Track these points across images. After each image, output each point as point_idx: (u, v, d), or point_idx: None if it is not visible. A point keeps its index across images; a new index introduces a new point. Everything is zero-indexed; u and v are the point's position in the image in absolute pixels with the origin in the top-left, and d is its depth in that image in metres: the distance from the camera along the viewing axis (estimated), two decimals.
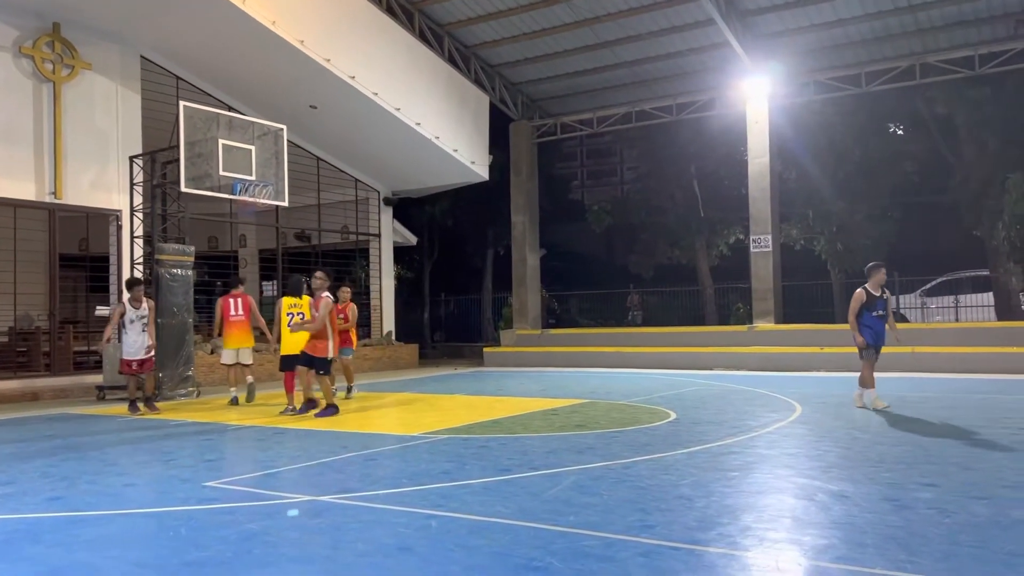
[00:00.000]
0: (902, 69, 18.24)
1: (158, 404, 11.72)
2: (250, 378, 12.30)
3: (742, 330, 19.30)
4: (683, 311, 26.09)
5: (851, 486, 5.63)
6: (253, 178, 13.67)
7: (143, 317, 11.18)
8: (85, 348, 15.61)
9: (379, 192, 21.85)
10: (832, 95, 19.66)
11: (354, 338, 12.57)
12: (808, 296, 23.84)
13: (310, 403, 10.40)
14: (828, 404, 10.60)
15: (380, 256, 21.97)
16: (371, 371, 18.98)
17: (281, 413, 10.52)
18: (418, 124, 18.44)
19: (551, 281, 27.52)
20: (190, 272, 13.87)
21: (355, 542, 4.54)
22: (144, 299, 11.33)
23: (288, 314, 10.89)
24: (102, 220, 15.56)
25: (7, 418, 11.02)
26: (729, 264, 26.61)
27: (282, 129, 14.39)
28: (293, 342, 10.72)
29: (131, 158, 14.86)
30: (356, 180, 21.23)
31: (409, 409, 11.46)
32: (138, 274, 14.37)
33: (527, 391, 13.44)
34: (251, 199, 13.76)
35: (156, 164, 14.31)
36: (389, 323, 21.87)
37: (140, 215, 14.74)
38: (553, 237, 31.56)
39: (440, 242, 31.40)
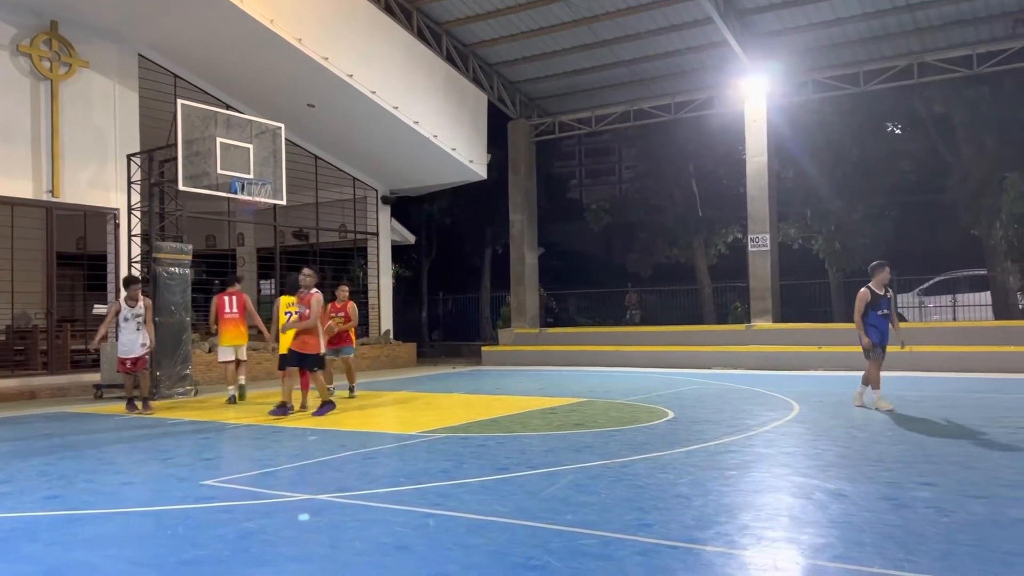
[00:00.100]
0: (900, 68, 18.25)
1: (156, 403, 11.72)
2: (242, 379, 12.32)
3: (740, 329, 19.32)
4: (681, 310, 26.09)
5: (849, 485, 5.64)
6: (251, 176, 13.66)
7: (138, 316, 11.12)
8: (83, 347, 15.60)
9: (377, 191, 21.85)
10: (830, 94, 19.66)
11: (353, 336, 12.56)
12: (806, 295, 23.85)
13: (328, 404, 10.33)
14: (826, 403, 10.60)
15: (378, 255, 21.97)
16: (369, 370, 18.96)
17: (297, 410, 10.62)
18: (416, 123, 18.43)
19: (549, 280, 27.52)
20: (188, 271, 13.86)
21: (353, 541, 4.54)
22: (140, 298, 11.26)
23: (287, 313, 10.88)
24: (100, 218, 15.55)
25: (4, 416, 11.00)
26: (727, 263, 26.62)
27: (280, 127, 14.38)
28: (290, 341, 10.70)
29: (129, 156, 14.85)
30: (354, 179, 21.22)
31: (407, 408, 11.45)
32: (136, 273, 14.34)
33: (525, 390, 13.44)
34: (249, 197, 13.74)
35: (154, 162, 14.30)
36: (387, 322, 21.86)
37: (138, 213, 14.72)
38: (551, 236, 31.57)
39: (438, 241, 31.39)
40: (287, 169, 14.66)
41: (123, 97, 15.35)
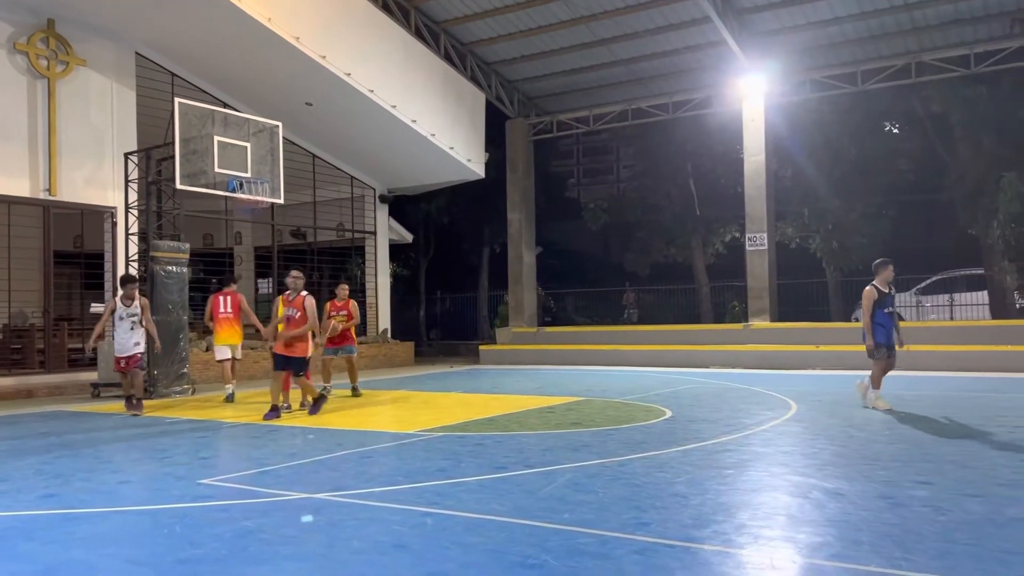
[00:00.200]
0: (898, 68, 18.26)
1: (153, 402, 11.70)
2: (230, 385, 12.33)
3: (738, 328, 19.33)
4: (679, 309, 26.10)
5: (846, 484, 5.64)
6: (248, 175, 13.64)
7: (134, 316, 11.02)
8: (80, 345, 15.57)
9: (375, 189, 21.83)
10: (828, 93, 19.67)
11: (354, 334, 12.58)
12: (803, 294, 23.88)
13: (320, 399, 10.33)
14: (823, 402, 10.61)
15: (376, 254, 21.96)
16: (367, 369, 18.95)
17: (300, 407, 10.64)
18: (414, 121, 18.42)
19: (547, 279, 27.52)
20: (185, 269, 13.84)
21: (350, 539, 4.54)
22: (137, 297, 11.19)
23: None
24: (97, 217, 15.52)
25: (1, 415, 10.99)
26: (725, 262, 26.63)
27: (277, 126, 14.36)
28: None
29: (126, 155, 14.82)
30: (352, 177, 21.21)
31: (405, 407, 11.45)
32: (133, 271, 14.31)
33: (523, 389, 13.44)
34: (246, 196, 13.72)
35: (151, 161, 14.26)
36: (385, 321, 21.85)
37: (135, 212, 14.69)
38: (549, 235, 31.57)
39: (436, 240, 31.38)
40: (285, 168, 14.63)
41: (120, 95, 15.33)
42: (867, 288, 9.66)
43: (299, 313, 10.07)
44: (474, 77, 20.61)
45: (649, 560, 4.04)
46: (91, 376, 13.98)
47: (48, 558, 4.31)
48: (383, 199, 22.03)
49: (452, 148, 19.72)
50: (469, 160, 20.39)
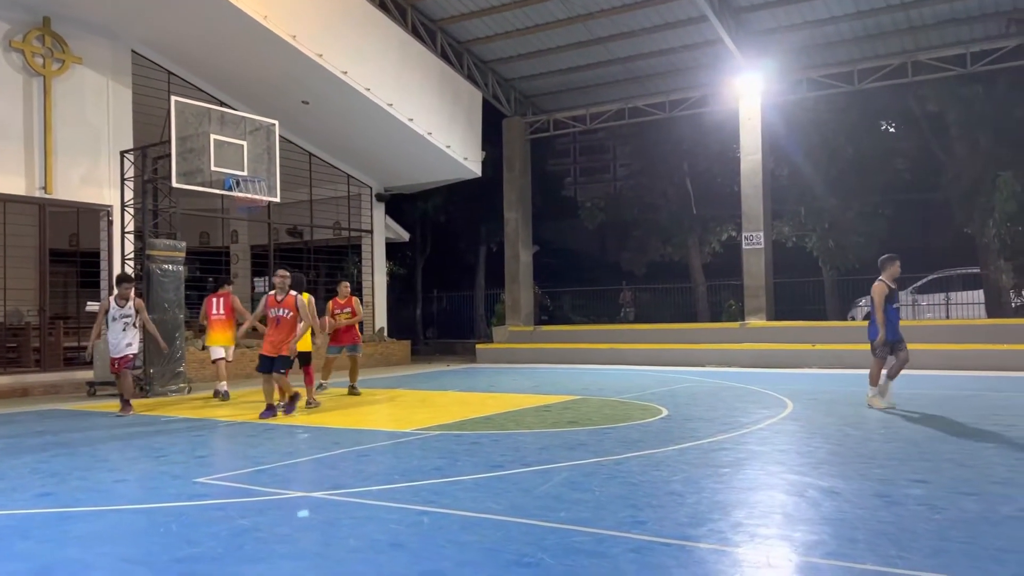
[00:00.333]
0: (894, 67, 18.28)
1: (149, 400, 11.66)
2: (223, 384, 12.33)
3: (734, 327, 19.35)
4: (675, 308, 26.14)
5: (842, 482, 5.65)
6: (245, 173, 13.63)
7: (127, 316, 10.77)
8: (75, 344, 15.54)
9: (371, 188, 21.81)
10: (824, 92, 19.69)
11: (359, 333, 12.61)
12: (800, 293, 23.93)
13: (295, 396, 10.15)
14: (819, 401, 10.62)
15: (372, 252, 21.93)
16: (363, 368, 18.81)
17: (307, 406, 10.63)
18: (411, 120, 18.41)
19: (544, 278, 27.54)
20: (181, 268, 13.82)
21: (346, 538, 4.54)
22: (132, 297, 10.94)
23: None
24: (93, 215, 15.49)
25: None
26: (721, 261, 26.67)
27: (274, 124, 14.35)
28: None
29: (122, 153, 14.80)
30: (348, 176, 21.18)
31: (401, 405, 11.45)
32: (129, 270, 14.30)
33: (519, 387, 13.44)
34: (243, 194, 13.71)
35: (147, 159, 14.26)
36: (381, 319, 21.84)
37: (131, 210, 14.68)
38: (546, 234, 31.58)
39: (433, 238, 31.37)
40: (281, 166, 14.63)
41: (116, 93, 15.29)
42: (876, 283, 9.60)
43: (290, 313, 9.92)
44: (471, 75, 20.60)
45: (645, 558, 4.04)
46: (87, 375, 13.95)
47: (44, 557, 4.31)
48: (380, 198, 22.01)
49: (449, 147, 19.70)
50: (466, 159, 20.38)
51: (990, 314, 20.47)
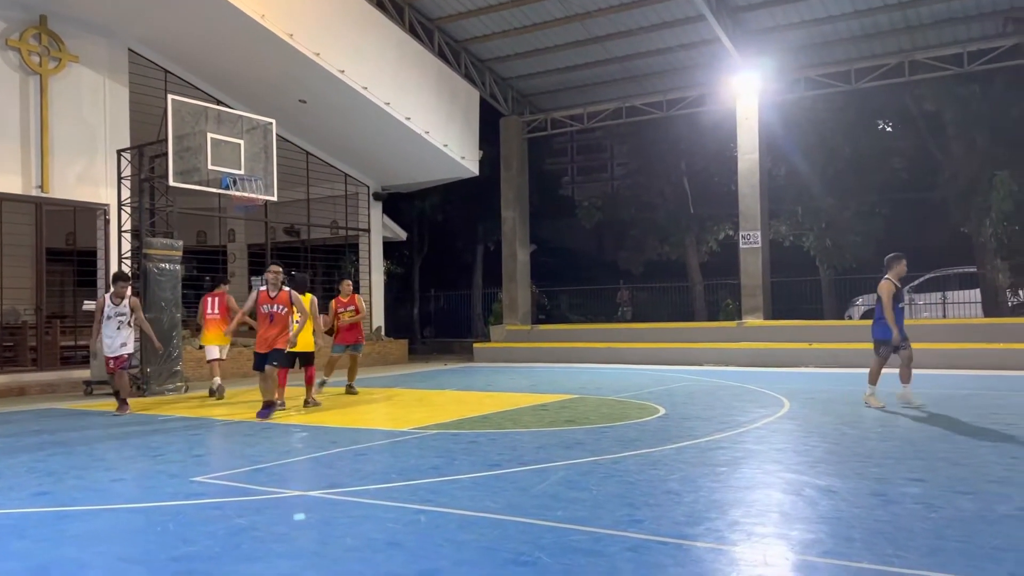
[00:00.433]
0: (891, 66, 18.31)
1: (146, 400, 11.64)
2: (216, 379, 12.35)
3: (731, 326, 19.36)
4: (672, 307, 26.15)
5: (839, 481, 5.66)
6: (242, 172, 13.61)
7: (121, 315, 10.70)
8: (72, 343, 15.53)
9: (369, 187, 21.80)
10: (822, 92, 19.71)
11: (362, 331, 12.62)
12: (797, 292, 23.94)
13: (271, 405, 9.84)
14: (816, 400, 10.64)
15: (370, 251, 21.92)
16: (361, 367, 18.81)
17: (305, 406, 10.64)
18: (408, 119, 18.39)
19: (541, 277, 27.54)
20: (178, 267, 13.81)
21: (344, 537, 4.53)
22: (127, 296, 10.86)
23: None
24: (89, 214, 15.46)
25: None
26: (718, 260, 26.69)
27: (271, 123, 14.33)
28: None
29: (119, 152, 14.77)
30: (346, 175, 21.17)
31: (398, 404, 11.44)
32: (126, 269, 14.27)
33: (516, 387, 13.44)
34: (240, 193, 13.69)
35: (144, 158, 14.23)
36: (378, 319, 21.83)
37: (128, 209, 14.65)
38: (543, 233, 31.59)
39: (430, 237, 31.36)
40: (278, 165, 14.62)
41: (113, 92, 15.27)
42: (883, 282, 9.59)
43: (284, 309, 9.84)
44: (468, 74, 20.59)
45: (642, 557, 4.04)
46: (84, 374, 13.92)
47: (40, 556, 4.30)
48: (377, 196, 22.00)
49: (446, 145, 19.69)
50: (463, 158, 20.37)
51: (987, 313, 20.51)
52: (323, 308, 12.50)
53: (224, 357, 12.76)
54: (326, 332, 12.06)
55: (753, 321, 18.80)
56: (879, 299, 9.63)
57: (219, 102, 16.46)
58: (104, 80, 15.12)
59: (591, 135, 44.03)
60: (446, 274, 32.18)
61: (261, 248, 20.88)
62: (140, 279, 13.42)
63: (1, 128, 13.77)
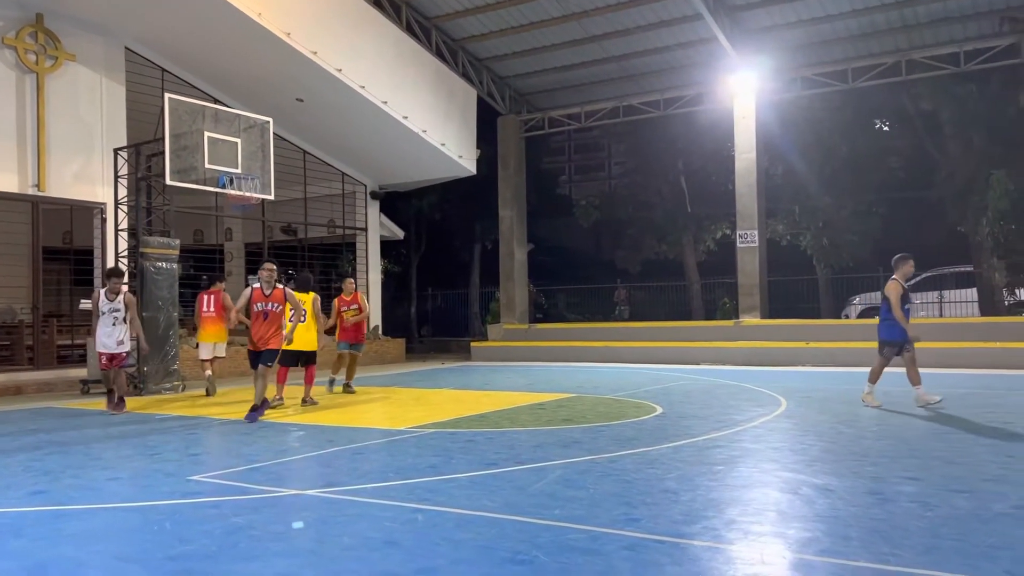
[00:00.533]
0: (888, 65, 18.33)
1: (143, 399, 11.62)
2: (208, 372, 12.37)
3: (728, 325, 19.38)
4: (670, 306, 26.16)
5: (835, 480, 5.67)
6: (239, 171, 13.59)
7: (116, 311, 10.57)
8: (69, 342, 15.50)
9: (366, 186, 21.78)
10: (819, 91, 19.73)
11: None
12: (794, 291, 23.96)
13: (260, 407, 9.60)
14: (813, 399, 10.65)
15: (367, 250, 21.91)
16: (358, 365, 18.87)
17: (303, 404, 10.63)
18: (405, 118, 18.38)
19: (538, 276, 27.53)
20: (175, 265, 13.79)
21: (341, 536, 4.54)
22: (122, 292, 10.78)
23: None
24: (86, 213, 15.43)
25: None
26: (716, 259, 26.71)
27: (268, 122, 14.31)
28: (296, 338, 10.31)
29: (115, 150, 14.75)
30: (343, 174, 21.15)
31: (396, 403, 11.44)
32: (123, 267, 14.24)
33: (514, 385, 13.45)
34: (237, 192, 13.67)
35: (141, 156, 14.21)
36: (376, 318, 21.80)
37: (125, 208, 14.63)
38: (541, 232, 31.57)
39: (427, 236, 31.35)
40: (275, 164, 14.59)
41: (110, 91, 15.24)
42: (891, 283, 9.60)
43: (279, 307, 9.76)
44: (465, 73, 20.58)
45: (639, 556, 4.05)
46: (80, 373, 13.91)
47: (37, 555, 4.30)
48: (374, 195, 21.98)
49: (443, 144, 19.68)
50: (460, 156, 20.36)
51: (983, 312, 20.54)
52: (324, 307, 12.49)
53: (222, 355, 12.79)
54: (325, 331, 12.04)
55: (750, 320, 18.82)
56: (885, 299, 9.65)
57: (216, 101, 16.44)
58: (101, 79, 15.10)
59: (588, 134, 44.03)
60: (443, 273, 32.17)
61: (258, 247, 20.86)
62: (137, 278, 13.40)
63: None
